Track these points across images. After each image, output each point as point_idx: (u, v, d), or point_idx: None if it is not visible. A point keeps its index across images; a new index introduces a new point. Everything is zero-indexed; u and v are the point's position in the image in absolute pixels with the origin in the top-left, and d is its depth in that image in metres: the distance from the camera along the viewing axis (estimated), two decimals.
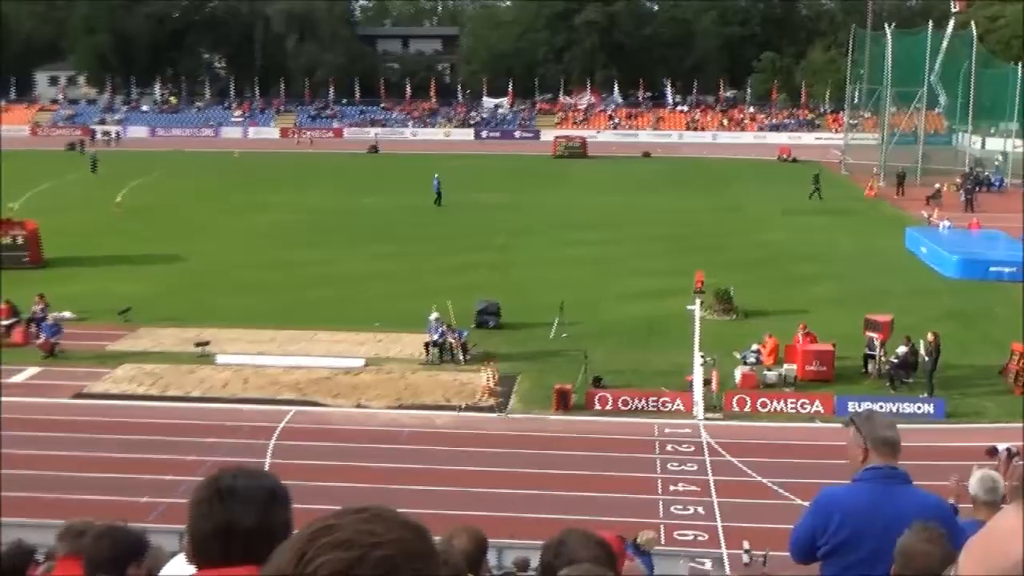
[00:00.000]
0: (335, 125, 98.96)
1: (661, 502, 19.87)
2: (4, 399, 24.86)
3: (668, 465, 21.59)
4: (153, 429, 22.97)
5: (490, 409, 24.15)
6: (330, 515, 1.51)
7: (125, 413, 24.04)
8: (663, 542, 16.50)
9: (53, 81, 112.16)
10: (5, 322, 29.64)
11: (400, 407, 24.65)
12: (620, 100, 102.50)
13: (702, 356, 24.27)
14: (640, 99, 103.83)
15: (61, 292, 32.04)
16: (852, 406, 23.71)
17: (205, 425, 23.22)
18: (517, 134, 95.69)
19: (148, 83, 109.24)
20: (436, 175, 56.06)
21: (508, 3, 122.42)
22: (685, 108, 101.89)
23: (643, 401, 24.51)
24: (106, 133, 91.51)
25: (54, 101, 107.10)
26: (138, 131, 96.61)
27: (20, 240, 38.70)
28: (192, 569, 2.77)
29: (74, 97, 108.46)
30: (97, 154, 72.13)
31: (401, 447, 22.20)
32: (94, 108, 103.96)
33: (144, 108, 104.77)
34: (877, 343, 26.55)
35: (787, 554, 5.31)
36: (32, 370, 27.11)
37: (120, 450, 21.74)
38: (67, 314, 30.32)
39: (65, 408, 24.47)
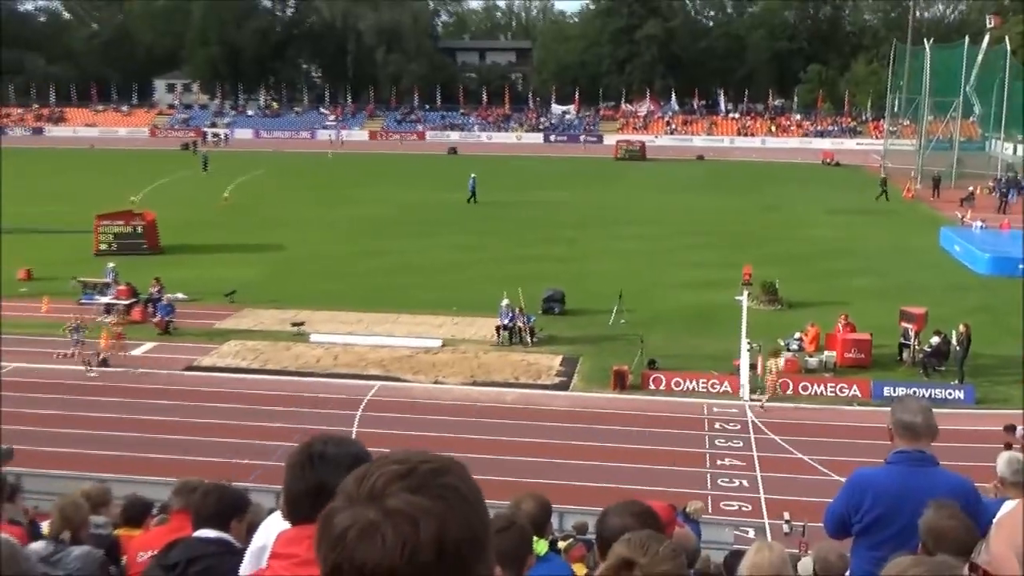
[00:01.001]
0: (419, 129, 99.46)
1: (709, 475, 19.77)
2: (124, 369, 25.52)
3: (716, 441, 21.47)
4: (253, 399, 23.34)
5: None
6: (382, 454, 1.60)
7: (230, 384, 24.49)
8: (710, 511, 16.39)
9: (170, 88, 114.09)
10: (125, 302, 30.33)
11: (473, 384, 24.78)
12: (676, 108, 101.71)
13: (749, 342, 24.09)
14: (695, 107, 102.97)
15: (175, 276, 32.64)
16: (887, 391, 23.44)
17: (299, 397, 23.54)
18: (582, 138, 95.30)
19: (253, 90, 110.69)
20: (472, 175, 55.56)
21: (576, 19, 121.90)
22: (736, 115, 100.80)
23: (694, 382, 24.39)
24: (216, 135, 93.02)
25: (171, 106, 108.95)
26: (244, 133, 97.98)
27: (140, 229, 39.48)
28: (286, 525, 2.84)
29: (188, 102, 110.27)
30: (208, 154, 73.27)
31: (473, 420, 22.33)
32: (206, 112, 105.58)
33: (249, 112, 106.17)
34: (912, 333, 26.12)
35: (823, 526, 5.28)
36: (148, 345, 27.68)
37: (225, 417, 22.14)
38: (180, 295, 30.85)
39: (177, 379, 24.95)
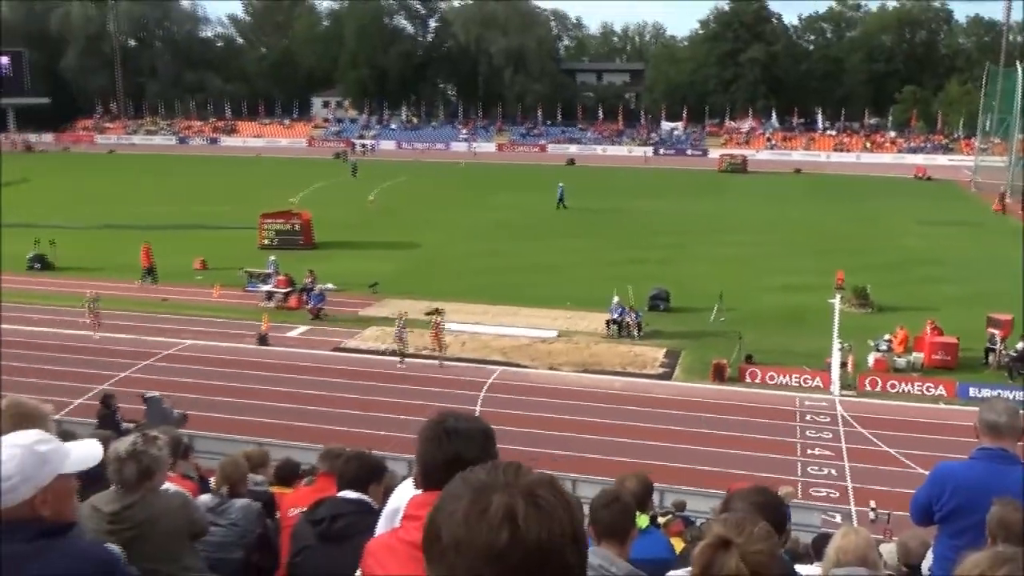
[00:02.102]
0: (540, 142, 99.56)
1: (799, 463, 19.30)
2: (282, 349, 26.34)
3: (807, 432, 20.94)
4: (390, 379, 23.81)
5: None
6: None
7: (370, 365, 25.04)
8: (800, 496, 16.00)
9: (326, 104, 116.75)
10: (283, 291, 31.25)
11: (584, 371, 24.74)
12: (777, 125, 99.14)
13: (840, 342, 23.41)
14: (794, 124, 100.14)
15: (326, 268, 33.41)
16: (973, 392, 22.45)
17: (430, 377, 23.92)
18: (688, 152, 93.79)
19: (397, 106, 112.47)
20: (560, 184, 54.76)
21: (685, 43, 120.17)
22: (833, 132, 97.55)
23: (787, 377, 23.84)
24: (363, 146, 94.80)
25: (326, 120, 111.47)
26: (388, 144, 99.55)
27: (297, 227, 40.58)
28: (417, 491, 2.88)
29: (340, 117, 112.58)
30: (356, 162, 74.75)
31: (584, 404, 22.28)
32: (355, 126, 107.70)
33: (393, 126, 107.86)
34: (998, 338, 24.99)
35: (909, 514, 5.12)
36: (302, 328, 28.50)
37: (365, 393, 22.64)
38: (330, 286, 31.62)
39: (326, 358, 25.62)
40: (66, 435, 9.08)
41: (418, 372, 24.34)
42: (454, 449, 2.72)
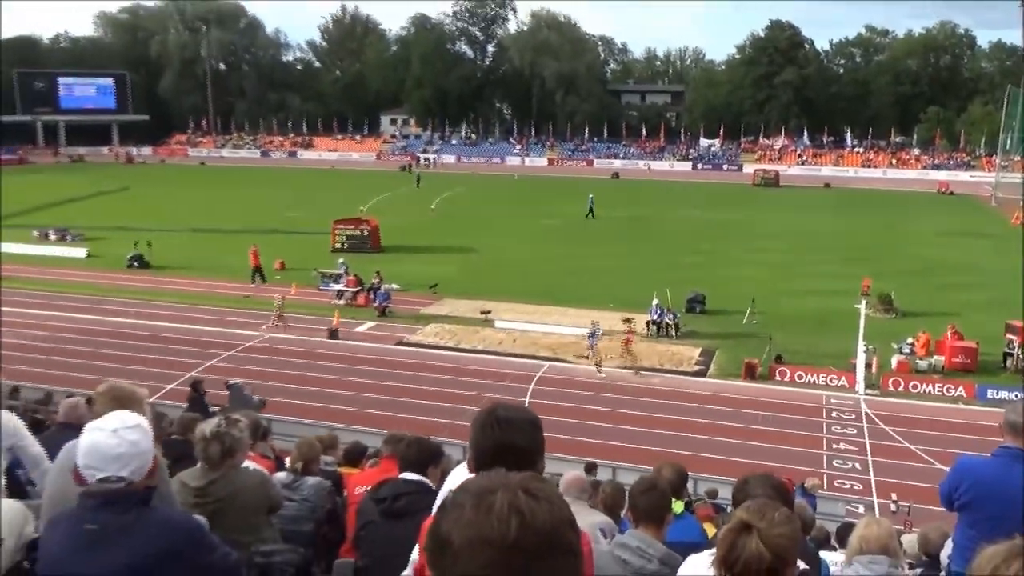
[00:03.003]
0: (588, 157, 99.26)
1: (825, 456, 18.96)
2: (350, 343, 26.60)
3: (832, 428, 20.56)
4: (448, 371, 23.90)
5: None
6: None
7: (431, 358, 25.14)
8: (825, 487, 15.72)
9: (393, 122, 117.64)
10: (353, 290, 31.57)
11: (626, 368, 24.60)
12: (808, 142, 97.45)
13: (865, 345, 22.96)
14: (824, 142, 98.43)
15: (391, 270, 33.65)
16: (991, 393, 21.87)
17: (484, 370, 23.97)
18: (725, 167, 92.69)
19: (457, 124, 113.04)
20: (591, 195, 54.32)
21: (723, 67, 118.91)
22: (861, 150, 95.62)
23: (815, 376, 23.43)
24: (426, 159, 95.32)
25: (393, 136, 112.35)
26: (448, 158, 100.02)
27: (366, 232, 40.90)
28: (470, 475, 2.88)
29: (406, 133, 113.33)
30: (420, 174, 75.35)
31: (624, 398, 22.17)
32: (419, 141, 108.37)
33: (453, 142, 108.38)
34: (1016, 344, 24.27)
35: (928, 507, 5.04)
36: (369, 324, 28.73)
37: (425, 384, 22.75)
38: (395, 286, 31.85)
39: (390, 352, 25.81)
40: (160, 416, 9.27)
41: (472, 366, 24.39)
42: (505, 437, 2.71)
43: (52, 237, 43.29)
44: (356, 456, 8.78)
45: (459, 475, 3.51)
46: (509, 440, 2.69)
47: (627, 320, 25.59)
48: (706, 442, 19.22)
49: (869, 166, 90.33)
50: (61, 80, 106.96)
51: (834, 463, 18.62)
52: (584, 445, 18.10)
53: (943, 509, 4.84)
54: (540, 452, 2.78)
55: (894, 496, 15.13)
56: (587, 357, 24.64)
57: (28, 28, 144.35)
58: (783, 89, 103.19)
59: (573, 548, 1.48)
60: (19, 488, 5.01)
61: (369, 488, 4.95)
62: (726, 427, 20.23)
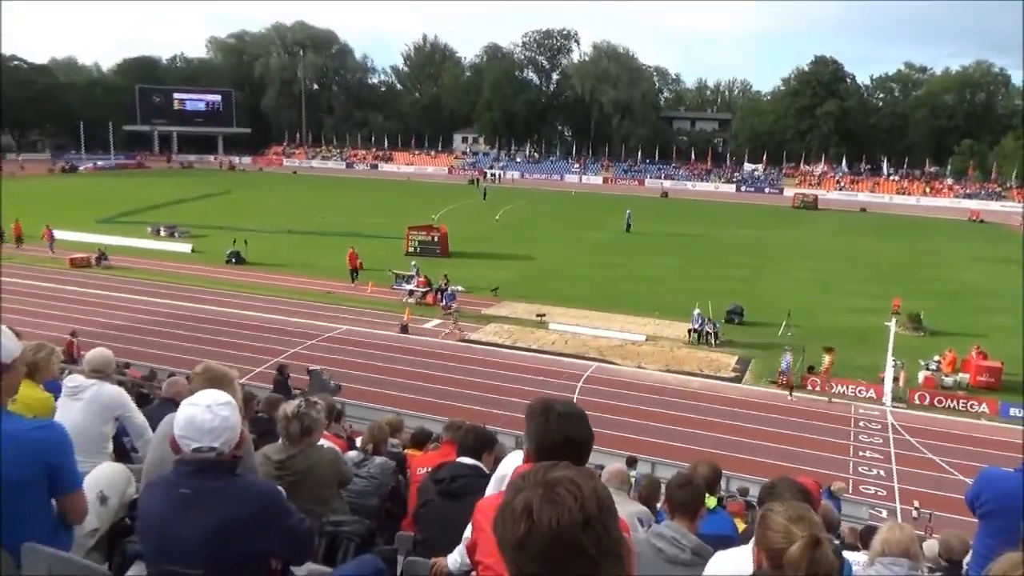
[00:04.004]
0: (640, 176, 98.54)
1: (852, 462, 18.42)
2: (418, 337, 26.81)
3: (859, 437, 19.97)
4: (505, 367, 23.90)
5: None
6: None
7: (491, 354, 25.17)
8: (850, 492, 15.29)
9: (464, 140, 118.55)
10: (422, 290, 31.80)
11: (667, 371, 24.29)
12: (846, 169, 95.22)
13: (893, 360, 22.29)
14: (861, 169, 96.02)
15: (457, 273, 33.72)
16: (1014, 411, 21.03)
17: (537, 368, 23.90)
18: (766, 190, 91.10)
19: (521, 143, 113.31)
20: (628, 210, 53.81)
21: (768, 97, 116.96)
22: (896, 178, 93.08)
23: (844, 388, 22.79)
24: (493, 174, 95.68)
25: (463, 153, 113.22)
26: (513, 174, 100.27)
27: (436, 238, 41.15)
28: (520, 461, 2.86)
29: (475, 151, 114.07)
30: (486, 187, 75.71)
31: (665, 398, 21.90)
32: (487, 158, 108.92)
33: (517, 159, 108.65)
34: None
35: (948, 515, 4.87)
36: (436, 321, 28.88)
37: (484, 378, 22.78)
38: (460, 287, 31.89)
39: (454, 347, 25.90)
40: (248, 395, 9.44)
41: (527, 363, 24.34)
42: (565, 430, 2.68)
43: (163, 233, 44.52)
44: (421, 440, 8.83)
45: (511, 461, 3.51)
46: (568, 433, 2.67)
47: (829, 350, 23.38)
48: (739, 443, 18.87)
49: (904, 193, 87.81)
50: (176, 95, 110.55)
51: (860, 469, 18.09)
52: (627, 440, 17.93)
53: (963, 517, 4.68)
54: (590, 446, 2.76)
55: (916, 503, 14.67)
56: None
57: (148, 49, 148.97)
58: (824, 119, 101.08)
59: (584, 550, 1.41)
60: (124, 453, 5.15)
61: (429, 469, 4.98)
62: (758, 430, 19.83)
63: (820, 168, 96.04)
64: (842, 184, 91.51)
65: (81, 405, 4.85)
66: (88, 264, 35.92)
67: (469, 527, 3.03)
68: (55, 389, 5.04)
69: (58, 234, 39.67)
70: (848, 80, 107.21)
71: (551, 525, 1.39)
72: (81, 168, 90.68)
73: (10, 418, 3.12)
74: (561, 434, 2.66)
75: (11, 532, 2.94)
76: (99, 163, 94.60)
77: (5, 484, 2.97)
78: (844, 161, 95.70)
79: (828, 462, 17.94)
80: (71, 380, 5.04)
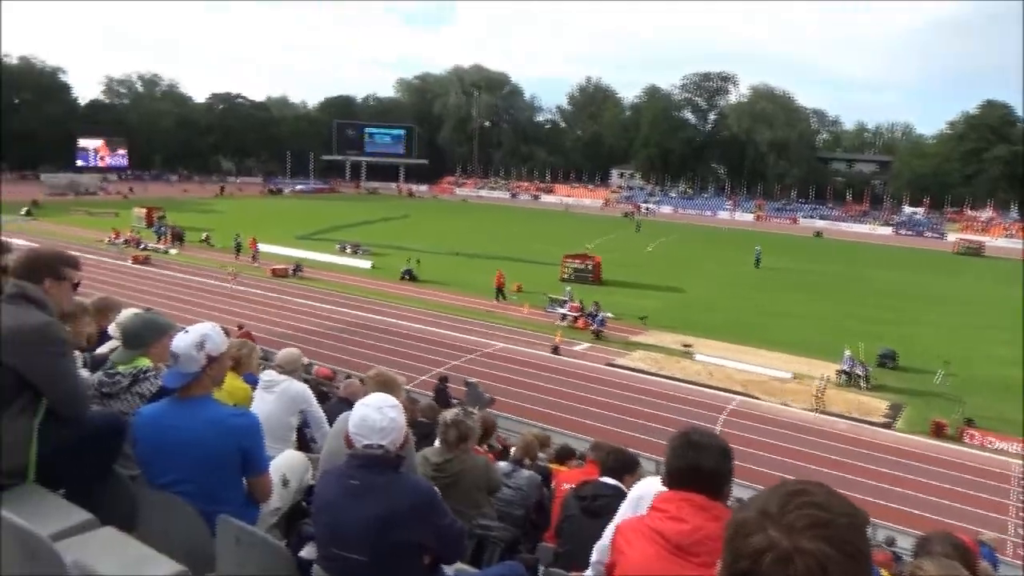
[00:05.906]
0: (793, 215, 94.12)
1: (1010, 523, 16.48)
2: (570, 359, 26.79)
3: (1021, 497, 17.88)
4: (649, 393, 23.40)
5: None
6: (797, 482, 1.36)
7: (635, 380, 24.73)
8: (1009, 555, 13.70)
9: (621, 175, 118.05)
10: (574, 314, 31.77)
11: (813, 411, 22.90)
12: (1016, 216, 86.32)
13: None
14: None
15: (608, 300, 33.55)
16: None
17: (681, 396, 23.23)
18: (926, 234, 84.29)
19: (676, 179, 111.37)
20: (757, 247, 51.50)
21: (932, 140, 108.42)
22: None
23: (1007, 444, 20.50)
24: (647, 208, 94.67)
25: (619, 187, 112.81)
26: (666, 209, 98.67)
27: (590, 266, 41.10)
28: (660, 486, 2.78)
29: (631, 185, 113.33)
30: (640, 220, 75.04)
31: (809, 438, 20.61)
32: (642, 192, 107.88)
33: (672, 195, 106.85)
34: None
35: None
36: (585, 345, 28.79)
37: (629, 403, 22.34)
38: (610, 314, 31.70)
39: (601, 371, 25.64)
40: (413, 401, 9.78)
41: (671, 391, 23.72)
42: (695, 459, 2.61)
43: (348, 250, 47.26)
44: (565, 456, 8.80)
45: (648, 485, 3.41)
46: (697, 462, 2.59)
47: (968, 421, 21.62)
48: (886, 491, 17.40)
49: None
50: (367, 129, 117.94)
51: (1018, 531, 16.17)
52: (766, 476, 17.01)
53: None
54: (727, 478, 2.64)
55: None
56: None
57: (346, 90, 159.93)
58: (993, 164, 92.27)
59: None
60: (305, 443, 5.48)
61: (573, 486, 4.94)
62: (909, 479, 18.20)
63: (987, 213, 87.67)
64: (1011, 232, 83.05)
65: (273, 397, 5.22)
66: (286, 274, 38.75)
67: (607, 547, 2.97)
68: (253, 382, 5.45)
69: (262, 247, 43.23)
70: (1019, 124, 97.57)
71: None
72: (285, 191, 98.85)
73: (215, 404, 3.40)
74: (691, 463, 2.58)
75: (209, 503, 3.20)
76: (299, 187, 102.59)
77: (207, 461, 3.23)
78: (1014, 207, 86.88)
79: (983, 520, 16.15)
80: (266, 375, 5.43)
